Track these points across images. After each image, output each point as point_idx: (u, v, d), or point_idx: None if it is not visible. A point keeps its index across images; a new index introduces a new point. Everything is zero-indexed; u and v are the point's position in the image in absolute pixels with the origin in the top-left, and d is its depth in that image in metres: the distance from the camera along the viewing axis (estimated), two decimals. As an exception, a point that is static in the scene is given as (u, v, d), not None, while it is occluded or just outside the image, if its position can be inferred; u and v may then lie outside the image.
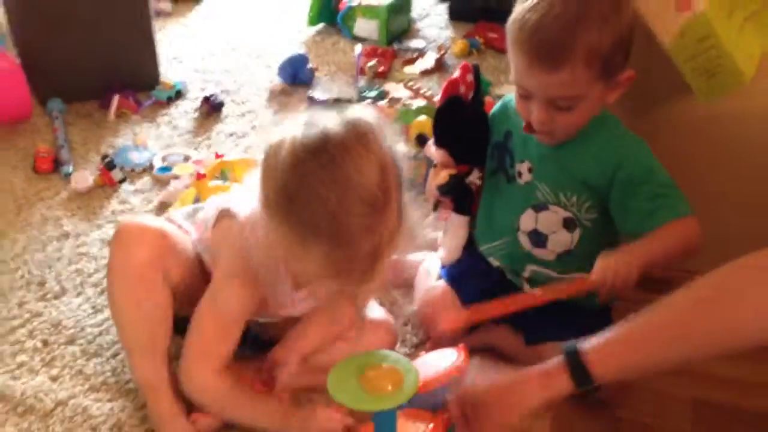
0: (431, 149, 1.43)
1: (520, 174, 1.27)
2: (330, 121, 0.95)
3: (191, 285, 1.16)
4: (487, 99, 1.43)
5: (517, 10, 1.11)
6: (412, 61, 2.27)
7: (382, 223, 0.94)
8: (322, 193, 0.91)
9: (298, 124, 0.96)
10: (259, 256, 1.03)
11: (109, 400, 1.22)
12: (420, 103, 1.98)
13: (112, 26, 1.99)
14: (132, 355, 1.18)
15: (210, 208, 1.21)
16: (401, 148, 1.00)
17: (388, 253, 0.96)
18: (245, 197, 1.10)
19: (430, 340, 1.33)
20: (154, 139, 1.91)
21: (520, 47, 1.10)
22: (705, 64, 1.16)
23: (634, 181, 1.16)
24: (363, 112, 0.98)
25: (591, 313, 1.29)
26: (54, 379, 1.25)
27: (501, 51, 2.17)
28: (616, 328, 0.95)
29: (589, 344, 0.95)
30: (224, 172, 1.65)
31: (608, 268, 1.10)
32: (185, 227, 1.22)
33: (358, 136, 0.94)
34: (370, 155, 0.93)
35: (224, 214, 1.14)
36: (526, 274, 1.30)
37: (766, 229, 1.32)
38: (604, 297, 1.13)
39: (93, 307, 1.39)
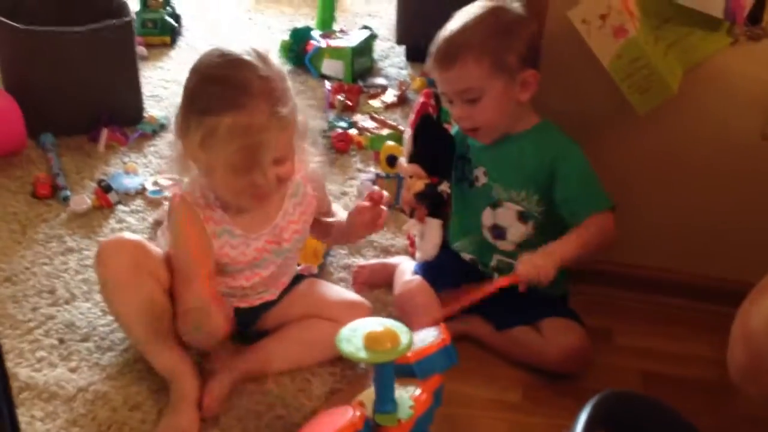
0: (403, 165, 1.61)
1: (477, 178, 1.48)
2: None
3: None
4: (447, 126, 1.64)
5: None
6: (376, 96, 2.47)
7: (271, 81, 1.18)
8: (213, 72, 1.19)
9: None
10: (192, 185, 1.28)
11: (126, 386, 1.34)
12: (386, 131, 2.19)
13: (101, 67, 2.13)
14: (145, 350, 1.33)
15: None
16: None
17: (285, 116, 1.20)
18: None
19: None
20: (143, 167, 2.05)
21: (431, 59, 1.39)
22: (639, 81, 1.38)
23: (568, 176, 1.38)
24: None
25: (550, 300, 1.49)
26: (73, 370, 1.37)
27: (457, 86, 2.40)
28: None
29: None
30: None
31: (530, 265, 1.33)
32: None
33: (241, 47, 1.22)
34: (250, 50, 1.21)
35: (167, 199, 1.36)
36: (493, 263, 1.49)
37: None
38: (523, 289, 1.35)
39: (102, 311, 1.51)
